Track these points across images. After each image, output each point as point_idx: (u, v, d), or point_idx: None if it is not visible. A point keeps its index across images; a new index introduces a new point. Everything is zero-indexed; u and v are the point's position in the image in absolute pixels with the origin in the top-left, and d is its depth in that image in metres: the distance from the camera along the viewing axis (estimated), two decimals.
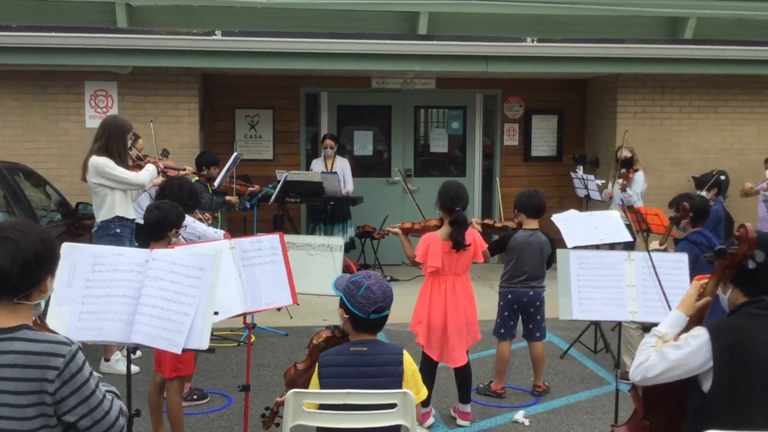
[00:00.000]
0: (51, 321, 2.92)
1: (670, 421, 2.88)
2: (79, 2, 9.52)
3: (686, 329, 2.79)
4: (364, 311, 3.06)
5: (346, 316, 3.14)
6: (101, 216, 5.94)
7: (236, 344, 6.69)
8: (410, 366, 3.14)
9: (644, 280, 3.85)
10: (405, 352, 3.14)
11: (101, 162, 5.79)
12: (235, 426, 5.03)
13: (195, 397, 5.41)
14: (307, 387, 3.37)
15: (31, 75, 8.56)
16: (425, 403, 5.02)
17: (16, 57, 8.08)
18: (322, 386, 3.09)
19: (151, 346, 2.93)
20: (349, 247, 9.03)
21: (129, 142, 6.10)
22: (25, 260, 2.17)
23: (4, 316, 2.21)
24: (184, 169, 6.49)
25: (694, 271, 3.92)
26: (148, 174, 6.02)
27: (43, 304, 2.33)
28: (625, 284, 3.87)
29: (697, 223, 5.44)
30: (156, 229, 4.49)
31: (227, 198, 7.72)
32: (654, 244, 5.53)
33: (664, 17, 10.74)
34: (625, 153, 8.52)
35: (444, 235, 4.85)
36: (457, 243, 4.81)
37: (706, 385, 2.63)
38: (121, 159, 5.88)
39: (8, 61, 8.16)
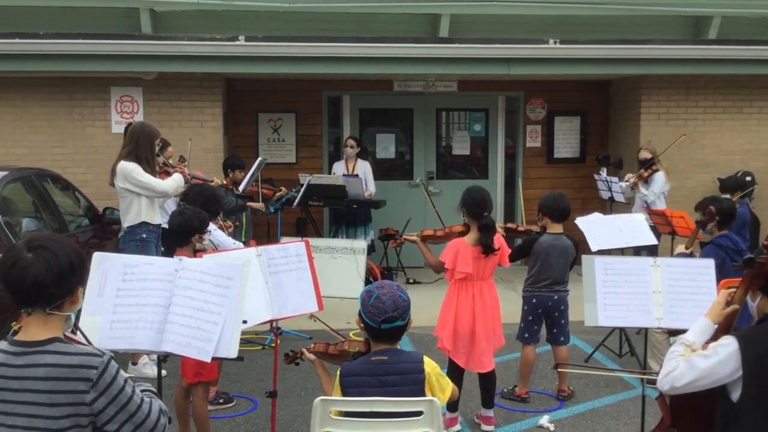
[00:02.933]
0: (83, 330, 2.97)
1: (697, 430, 2.88)
2: (105, 8, 9.64)
3: (714, 337, 2.78)
4: (374, 320, 3.08)
5: (362, 324, 3.17)
6: (128, 221, 6.01)
7: (261, 348, 6.74)
8: (433, 369, 3.15)
9: (670, 287, 3.84)
10: (425, 358, 3.16)
11: (129, 167, 5.87)
12: (262, 430, 5.07)
13: (221, 401, 5.46)
14: (325, 365, 3.52)
15: (58, 81, 8.68)
16: (453, 409, 5.04)
17: (43, 64, 8.22)
18: (344, 395, 3.11)
19: (181, 355, 2.97)
20: (370, 250, 9.05)
21: (157, 149, 6.16)
22: (60, 269, 2.21)
23: (36, 328, 2.25)
24: (212, 180, 6.54)
25: (721, 275, 3.91)
26: (173, 183, 6.07)
27: (73, 318, 2.37)
28: (651, 290, 3.85)
29: (723, 226, 5.40)
30: (179, 234, 4.54)
31: (250, 204, 7.76)
32: (680, 247, 5.49)
33: (687, 17, 10.65)
34: (645, 155, 8.48)
35: (472, 240, 4.86)
36: (487, 247, 4.82)
37: (735, 395, 2.62)
38: (149, 164, 5.96)
39: (35, 68, 8.30)
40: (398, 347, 3.18)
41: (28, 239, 2.30)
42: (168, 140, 7.15)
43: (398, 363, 3.10)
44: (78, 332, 2.58)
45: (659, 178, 8.35)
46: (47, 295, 2.22)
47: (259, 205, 7.81)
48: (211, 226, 5.09)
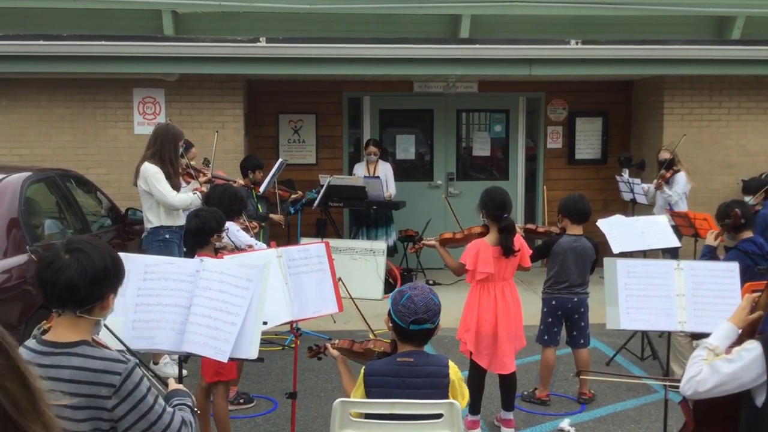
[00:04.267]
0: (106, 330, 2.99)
1: None
2: (127, 10, 9.72)
3: (739, 341, 2.75)
4: (404, 320, 3.07)
5: (390, 324, 3.16)
6: (150, 222, 6.06)
7: (281, 348, 6.76)
8: (456, 375, 3.14)
9: (694, 290, 3.80)
10: (451, 363, 3.14)
11: (151, 171, 5.91)
12: (281, 430, 5.08)
13: (241, 401, 5.48)
14: (347, 363, 3.54)
15: (81, 83, 8.77)
16: (475, 411, 5.02)
17: (67, 65, 8.30)
18: (368, 395, 3.11)
19: (200, 355, 2.98)
20: (391, 251, 9.05)
21: (180, 150, 6.20)
22: (94, 273, 2.24)
23: (65, 329, 2.27)
24: (235, 182, 6.57)
25: (745, 278, 3.86)
26: (187, 199, 6.02)
27: (102, 323, 2.38)
28: (674, 293, 3.82)
29: (741, 229, 5.30)
30: (198, 236, 4.58)
31: (272, 216, 7.76)
32: (710, 237, 5.37)
33: (711, 17, 10.55)
34: (665, 155, 8.41)
35: (492, 241, 4.84)
36: (507, 249, 4.80)
37: (759, 400, 2.59)
38: (172, 165, 6.00)
39: (59, 70, 8.38)
40: (424, 350, 3.17)
41: (68, 241, 2.33)
42: (191, 141, 7.19)
43: (424, 366, 3.09)
44: (104, 327, 2.58)
45: (681, 178, 8.29)
46: (78, 298, 2.24)
47: (279, 217, 7.83)
48: (233, 228, 5.11)
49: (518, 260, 4.94)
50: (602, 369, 6.32)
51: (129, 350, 2.68)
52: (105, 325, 2.60)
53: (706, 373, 2.64)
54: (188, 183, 6.24)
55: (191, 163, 6.70)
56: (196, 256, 4.52)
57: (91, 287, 2.24)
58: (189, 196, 6.06)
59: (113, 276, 2.31)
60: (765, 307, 2.78)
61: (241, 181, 6.81)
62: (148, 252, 5.90)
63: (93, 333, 2.34)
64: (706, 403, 2.80)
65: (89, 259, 2.24)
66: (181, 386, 2.62)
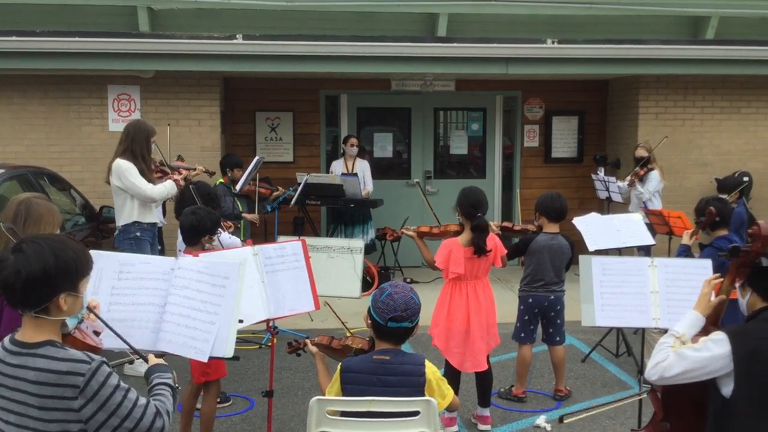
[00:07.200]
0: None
1: (690, 424, 2.89)
2: (102, 6, 9.62)
3: (705, 330, 2.80)
4: (382, 317, 3.07)
5: (369, 321, 3.16)
6: (122, 220, 6.00)
7: (257, 347, 6.73)
8: (434, 374, 3.15)
9: (668, 287, 3.84)
10: (427, 362, 3.15)
11: (124, 166, 5.86)
12: (258, 429, 5.07)
13: (218, 400, 5.44)
14: (326, 360, 3.55)
15: (56, 79, 8.67)
16: (452, 408, 5.02)
17: (41, 62, 8.20)
18: (344, 392, 3.10)
19: (177, 355, 2.95)
20: (369, 249, 9.04)
21: (153, 146, 6.14)
22: (29, 275, 2.16)
23: (30, 329, 2.24)
24: (194, 168, 6.49)
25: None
26: (163, 190, 6.00)
27: (72, 322, 2.33)
28: (648, 290, 3.86)
29: (716, 227, 5.36)
30: (190, 234, 4.52)
31: (246, 216, 7.66)
32: (685, 237, 5.42)
33: (685, 17, 10.66)
34: (642, 152, 8.48)
35: (465, 241, 4.85)
36: (479, 248, 4.81)
37: (726, 389, 2.63)
38: (144, 161, 5.95)
39: (33, 66, 8.28)
40: (401, 349, 3.17)
41: (23, 239, 2.28)
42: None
43: (400, 364, 3.09)
44: (90, 315, 2.51)
45: (654, 176, 8.37)
46: (18, 300, 2.19)
47: (253, 217, 7.75)
48: None
49: (491, 259, 4.94)
50: (578, 365, 6.37)
51: (131, 348, 2.64)
52: (101, 319, 2.55)
53: (672, 359, 2.67)
54: (160, 178, 6.16)
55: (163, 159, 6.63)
56: (183, 252, 4.47)
57: (28, 289, 2.16)
58: (166, 186, 6.02)
59: (58, 277, 2.20)
60: (727, 293, 2.84)
61: (201, 168, 6.67)
62: (120, 250, 5.84)
63: (66, 330, 2.31)
64: (675, 393, 2.84)
65: (26, 260, 2.16)
66: (161, 361, 2.59)
